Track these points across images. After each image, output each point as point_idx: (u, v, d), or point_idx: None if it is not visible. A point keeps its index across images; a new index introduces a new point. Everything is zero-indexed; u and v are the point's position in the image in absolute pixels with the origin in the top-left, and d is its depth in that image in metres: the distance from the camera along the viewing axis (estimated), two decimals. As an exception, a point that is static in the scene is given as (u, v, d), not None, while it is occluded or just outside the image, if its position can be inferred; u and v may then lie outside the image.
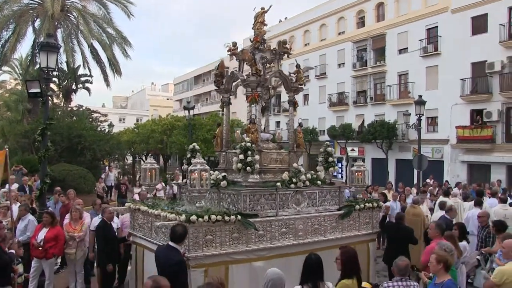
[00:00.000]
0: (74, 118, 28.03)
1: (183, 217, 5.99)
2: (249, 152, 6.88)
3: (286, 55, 8.39)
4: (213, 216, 6.10)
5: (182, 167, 8.84)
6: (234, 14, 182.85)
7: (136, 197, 13.68)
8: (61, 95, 34.17)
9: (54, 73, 19.63)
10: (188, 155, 8.41)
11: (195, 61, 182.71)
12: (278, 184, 7.17)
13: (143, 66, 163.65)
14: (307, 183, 7.47)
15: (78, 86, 34.82)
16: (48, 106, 11.54)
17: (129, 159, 37.95)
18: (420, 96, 19.61)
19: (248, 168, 6.84)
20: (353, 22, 36.01)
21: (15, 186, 12.89)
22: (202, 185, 6.23)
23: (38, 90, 10.59)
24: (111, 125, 33.03)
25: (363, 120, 34.18)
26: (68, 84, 33.27)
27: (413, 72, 30.21)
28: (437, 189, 16.96)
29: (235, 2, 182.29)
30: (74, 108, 32.57)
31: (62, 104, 33.51)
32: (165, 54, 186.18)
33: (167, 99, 78.30)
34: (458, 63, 26.70)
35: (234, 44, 8.33)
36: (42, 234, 7.97)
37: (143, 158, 36.47)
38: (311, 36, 38.99)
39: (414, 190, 16.48)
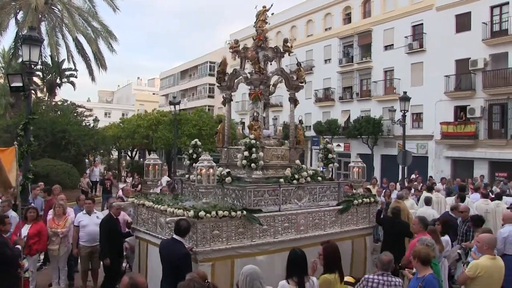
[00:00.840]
0: (59, 112, 27.71)
1: (191, 212, 6.12)
2: (254, 149, 7.02)
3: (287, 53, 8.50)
4: (220, 212, 6.24)
5: (184, 163, 8.87)
6: (220, 8, 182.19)
7: (120, 192, 13.69)
8: (45, 89, 33.73)
9: (38, 67, 19.33)
10: (190, 151, 8.57)
11: (182, 56, 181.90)
12: (281, 180, 7.33)
13: (129, 61, 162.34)
14: (308, 179, 7.64)
15: (63, 80, 34.42)
16: (31, 100, 11.40)
17: (115, 154, 37.65)
18: (405, 93, 19.82)
19: (252, 164, 7.00)
20: (339, 18, 36.13)
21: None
22: (209, 181, 6.35)
23: (20, 84, 10.41)
24: (96, 120, 32.72)
25: (349, 116, 34.38)
26: (52, 78, 32.87)
27: (399, 69, 30.45)
28: (421, 184, 17.17)
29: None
30: (59, 103, 32.17)
31: (46, 98, 33.06)
32: (151, 49, 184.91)
33: (153, 94, 77.78)
34: (442, 60, 27.01)
35: (236, 42, 8.46)
36: (25, 230, 7.88)
37: (129, 153, 36.25)
38: (298, 32, 39.01)
39: (398, 186, 16.66)
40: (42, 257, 9.39)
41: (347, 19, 35.70)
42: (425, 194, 12.52)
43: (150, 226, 7.39)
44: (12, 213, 8.84)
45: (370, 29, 32.77)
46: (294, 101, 8.61)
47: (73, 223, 8.63)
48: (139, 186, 17.76)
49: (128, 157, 37.06)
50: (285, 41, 8.53)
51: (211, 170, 6.36)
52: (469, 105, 25.72)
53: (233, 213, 6.38)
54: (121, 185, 17.08)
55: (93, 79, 28.85)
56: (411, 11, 29.72)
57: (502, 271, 5.76)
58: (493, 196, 12.15)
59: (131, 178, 20.33)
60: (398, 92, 27.88)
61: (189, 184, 8.12)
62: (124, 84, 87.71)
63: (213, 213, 6.18)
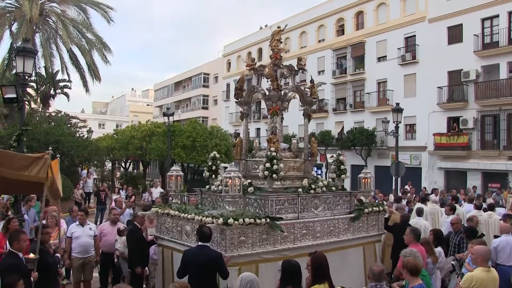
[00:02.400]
0: (52, 123, 27.60)
1: (220, 220, 6.52)
2: (275, 161, 7.51)
3: (300, 71, 8.96)
4: (246, 219, 6.68)
5: (204, 174, 9.25)
6: (213, 19, 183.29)
7: (113, 204, 13.66)
8: (39, 100, 33.62)
9: (32, 78, 19.29)
10: (210, 163, 8.97)
11: (176, 66, 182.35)
12: (300, 190, 7.82)
13: (123, 72, 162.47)
14: (324, 188, 8.14)
15: (57, 91, 34.32)
16: (24, 111, 11.37)
17: (108, 165, 37.50)
18: (397, 104, 19.92)
19: (274, 175, 7.48)
20: (333, 30, 36.43)
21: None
22: (235, 191, 6.79)
23: (14, 96, 10.39)
24: (90, 131, 32.62)
25: (343, 127, 34.49)
26: (46, 89, 32.76)
27: (392, 80, 30.69)
28: (414, 195, 17.21)
29: (214, 7, 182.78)
30: (53, 114, 32.09)
31: (40, 109, 32.95)
32: (145, 60, 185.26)
33: (147, 105, 77.77)
34: (435, 72, 27.28)
35: (253, 60, 9.04)
36: None
37: (122, 164, 36.11)
38: (291, 43, 39.29)
39: (391, 197, 16.69)
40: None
41: (340, 30, 36.00)
42: (418, 205, 12.58)
43: (174, 234, 7.77)
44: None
45: (363, 41, 33.05)
46: (308, 116, 9.10)
47: (66, 235, 8.60)
48: (133, 197, 17.69)
49: (122, 168, 36.91)
50: (299, 59, 8.93)
51: (237, 181, 6.76)
52: (461, 116, 25.92)
53: (258, 221, 6.84)
54: (114, 196, 17.01)
55: (87, 90, 28.85)
56: (404, 23, 30.05)
57: (497, 283, 5.79)
58: (486, 207, 12.21)
59: (124, 191, 20.24)
60: (392, 103, 28.04)
61: (208, 194, 8.60)
62: (118, 95, 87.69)
63: (241, 220, 6.61)
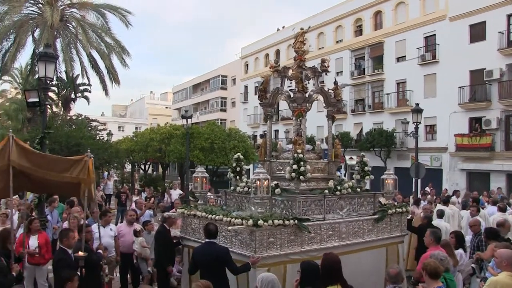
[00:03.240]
0: (73, 126, 28.03)
1: (250, 221, 6.59)
2: (302, 163, 7.57)
3: (324, 73, 9.01)
4: (276, 221, 6.75)
5: (228, 176, 9.42)
6: (230, 22, 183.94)
7: (133, 205, 13.83)
8: (60, 104, 34.24)
9: (53, 82, 19.64)
10: (234, 164, 9.08)
11: (194, 69, 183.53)
12: (326, 191, 7.85)
13: (141, 75, 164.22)
14: (349, 190, 8.18)
15: (77, 95, 34.94)
16: (47, 115, 11.58)
17: (128, 168, 37.92)
18: (417, 104, 19.66)
19: (301, 177, 7.55)
20: (350, 31, 36.20)
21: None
22: (263, 193, 6.86)
23: (37, 100, 10.66)
24: (110, 134, 33.04)
25: (361, 129, 34.24)
26: (67, 93, 33.36)
27: (411, 80, 30.32)
28: (434, 197, 16.95)
29: (230, 10, 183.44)
30: (73, 117, 32.60)
31: (61, 113, 33.54)
32: (163, 63, 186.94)
33: (166, 107, 78.40)
34: (456, 71, 26.82)
35: (276, 62, 9.08)
36: (34, 241, 8.08)
37: (142, 166, 36.47)
38: (308, 44, 39.14)
39: (411, 199, 16.46)
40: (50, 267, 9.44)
41: (358, 31, 35.75)
42: (438, 207, 12.40)
43: (201, 235, 7.79)
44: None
45: (381, 41, 32.75)
46: (332, 118, 9.12)
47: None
48: (152, 199, 17.84)
49: (141, 171, 37.28)
50: (323, 61, 8.95)
51: (265, 182, 6.83)
52: (484, 117, 25.42)
53: (286, 222, 6.89)
54: (134, 198, 17.23)
55: (106, 93, 29.23)
56: (423, 22, 29.66)
57: (522, 289, 5.61)
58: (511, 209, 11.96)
59: (145, 193, 20.45)
60: (411, 104, 27.69)
61: (233, 195, 8.62)
62: (137, 98, 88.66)
63: (270, 221, 6.67)
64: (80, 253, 6.90)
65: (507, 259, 5.64)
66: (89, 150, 7.32)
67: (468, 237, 9.31)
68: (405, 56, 31.14)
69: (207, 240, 6.44)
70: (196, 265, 6.44)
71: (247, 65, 50.55)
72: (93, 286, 6.99)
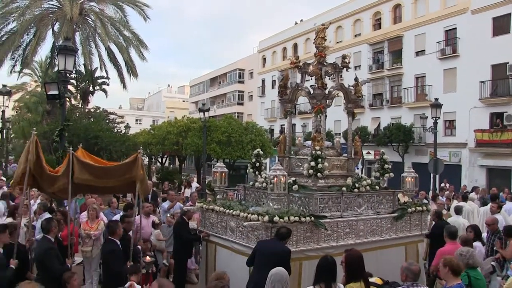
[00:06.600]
0: (91, 119, 28.33)
1: (266, 218, 6.60)
2: (320, 159, 7.52)
3: (345, 69, 8.89)
4: (292, 217, 6.73)
5: (247, 171, 9.49)
6: (247, 15, 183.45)
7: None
8: (78, 97, 34.62)
9: (72, 75, 19.88)
10: (253, 160, 9.17)
11: (211, 63, 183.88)
12: (344, 188, 7.79)
13: (158, 69, 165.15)
14: (368, 187, 8.10)
15: (95, 88, 35.22)
16: (66, 107, 11.74)
17: (145, 160, 38.21)
18: (436, 99, 19.39)
19: (319, 174, 7.51)
20: (369, 24, 35.80)
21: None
22: (281, 189, 6.86)
23: (56, 92, 10.81)
24: (127, 127, 33.31)
25: (379, 123, 33.92)
26: (86, 86, 33.68)
27: (431, 75, 29.89)
28: (453, 193, 16.72)
29: (248, 4, 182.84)
30: (92, 110, 32.92)
31: (79, 105, 33.92)
32: (180, 57, 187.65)
33: (183, 101, 78.76)
34: (477, 65, 26.28)
35: (297, 57, 8.90)
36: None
37: (159, 159, 36.76)
38: (327, 38, 38.87)
39: (430, 194, 16.28)
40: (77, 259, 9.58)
41: (377, 25, 35.33)
42: (455, 203, 12.24)
43: (219, 229, 7.92)
44: (46, 216, 9.11)
45: (400, 35, 32.31)
46: (352, 114, 9.08)
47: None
48: (167, 192, 17.91)
49: (158, 163, 37.56)
50: (344, 57, 8.88)
51: (283, 179, 6.83)
52: (506, 112, 24.89)
53: (302, 219, 6.88)
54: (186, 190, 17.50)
55: (124, 86, 29.54)
56: (444, 15, 29.15)
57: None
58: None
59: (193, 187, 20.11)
60: (430, 98, 27.35)
61: (252, 190, 8.68)
62: (155, 92, 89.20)
63: (286, 218, 6.66)
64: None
65: (529, 258, 5.54)
66: (141, 147, 7.60)
67: (484, 234, 9.17)
68: (424, 50, 30.67)
69: (275, 237, 6.47)
70: (254, 257, 6.38)
71: (265, 58, 50.42)
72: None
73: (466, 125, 27.10)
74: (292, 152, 9.09)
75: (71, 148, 7.39)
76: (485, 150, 26.04)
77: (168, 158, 38.64)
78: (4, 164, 26.17)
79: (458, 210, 10.52)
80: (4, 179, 16.65)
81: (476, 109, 26.68)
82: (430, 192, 17.32)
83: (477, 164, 26.73)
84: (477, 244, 7.59)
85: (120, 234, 7.12)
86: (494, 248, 8.22)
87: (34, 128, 7.56)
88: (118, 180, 7.33)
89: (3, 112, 24.18)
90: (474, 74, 26.39)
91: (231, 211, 7.45)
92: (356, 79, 8.99)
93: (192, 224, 9.33)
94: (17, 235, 6.79)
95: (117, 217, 9.20)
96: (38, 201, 10.71)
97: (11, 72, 27.11)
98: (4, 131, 25.93)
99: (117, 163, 8.49)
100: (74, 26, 25.66)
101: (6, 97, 22.51)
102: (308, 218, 6.95)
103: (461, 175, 27.20)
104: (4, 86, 22.40)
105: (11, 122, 37.83)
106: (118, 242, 7.04)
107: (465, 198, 13.26)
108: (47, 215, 9.17)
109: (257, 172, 8.94)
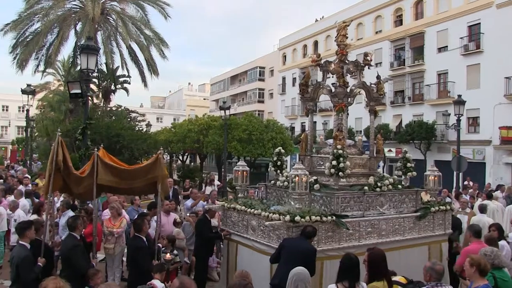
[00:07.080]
0: (113, 118, 28.66)
1: (287, 217, 6.58)
2: (341, 158, 7.46)
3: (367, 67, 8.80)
4: (313, 217, 6.72)
5: (268, 169, 9.36)
6: (266, 13, 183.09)
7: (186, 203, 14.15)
8: (100, 96, 35.05)
9: (94, 74, 20.19)
10: (275, 158, 9.16)
11: (231, 61, 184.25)
12: (366, 187, 7.75)
13: (179, 67, 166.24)
14: (390, 186, 8.04)
15: (117, 86, 35.63)
16: (88, 106, 11.89)
17: (166, 158, 38.51)
18: (459, 96, 19.04)
19: (340, 173, 7.46)
20: (390, 21, 35.36)
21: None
22: (302, 188, 6.86)
23: (79, 91, 10.97)
24: (148, 125, 33.63)
25: (401, 121, 33.53)
26: (107, 84, 34.08)
27: (453, 71, 29.37)
28: (477, 191, 16.41)
29: (268, 1, 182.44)
30: (113, 108, 33.31)
31: (101, 104, 34.36)
32: (200, 55, 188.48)
33: (204, 99, 79.12)
34: (502, 61, 25.70)
35: (318, 55, 8.90)
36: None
37: (180, 157, 37.02)
38: (348, 36, 38.53)
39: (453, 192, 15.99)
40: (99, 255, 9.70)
41: (398, 21, 34.88)
42: (479, 201, 12.02)
43: (240, 228, 7.94)
44: (69, 213, 9.29)
45: (422, 31, 31.82)
46: (374, 112, 9.03)
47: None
48: (190, 190, 18.04)
49: (179, 161, 37.83)
50: (366, 54, 8.80)
51: (304, 178, 6.82)
52: (532, 108, 24.34)
53: (324, 218, 6.86)
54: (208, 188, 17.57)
55: (145, 85, 29.83)
56: (467, 10, 28.57)
57: None
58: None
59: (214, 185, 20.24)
60: (453, 95, 26.85)
61: (274, 189, 8.66)
62: (175, 90, 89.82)
63: (307, 218, 6.64)
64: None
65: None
66: (161, 148, 7.74)
67: (510, 234, 8.97)
68: (447, 46, 30.14)
69: (301, 236, 6.47)
70: (280, 253, 6.36)
71: (285, 56, 50.28)
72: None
73: (490, 122, 26.56)
74: (314, 150, 9.02)
75: (96, 149, 7.52)
76: (511, 148, 25.47)
77: (189, 156, 38.88)
78: (28, 161, 26.73)
79: (483, 209, 10.33)
80: (29, 176, 16.99)
81: (501, 106, 26.10)
82: (453, 190, 17.02)
83: (502, 162, 26.18)
84: (504, 243, 7.42)
85: (146, 231, 7.19)
86: None
87: (59, 129, 7.67)
88: (141, 181, 7.49)
89: (27, 111, 24.70)
90: (499, 70, 25.82)
91: (253, 210, 7.45)
92: (378, 77, 8.88)
93: (213, 222, 9.38)
94: (43, 232, 6.91)
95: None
96: (61, 198, 10.91)
97: (35, 71, 27.66)
98: (29, 129, 26.48)
99: (139, 165, 8.65)
100: (96, 26, 26.02)
101: (30, 96, 23.00)
102: (329, 218, 6.92)
103: (485, 173, 26.68)
104: (28, 85, 22.88)
105: (35, 120, 38.70)
106: (145, 239, 7.13)
107: (489, 197, 13.02)
108: (70, 212, 9.35)
109: (278, 171, 8.93)
